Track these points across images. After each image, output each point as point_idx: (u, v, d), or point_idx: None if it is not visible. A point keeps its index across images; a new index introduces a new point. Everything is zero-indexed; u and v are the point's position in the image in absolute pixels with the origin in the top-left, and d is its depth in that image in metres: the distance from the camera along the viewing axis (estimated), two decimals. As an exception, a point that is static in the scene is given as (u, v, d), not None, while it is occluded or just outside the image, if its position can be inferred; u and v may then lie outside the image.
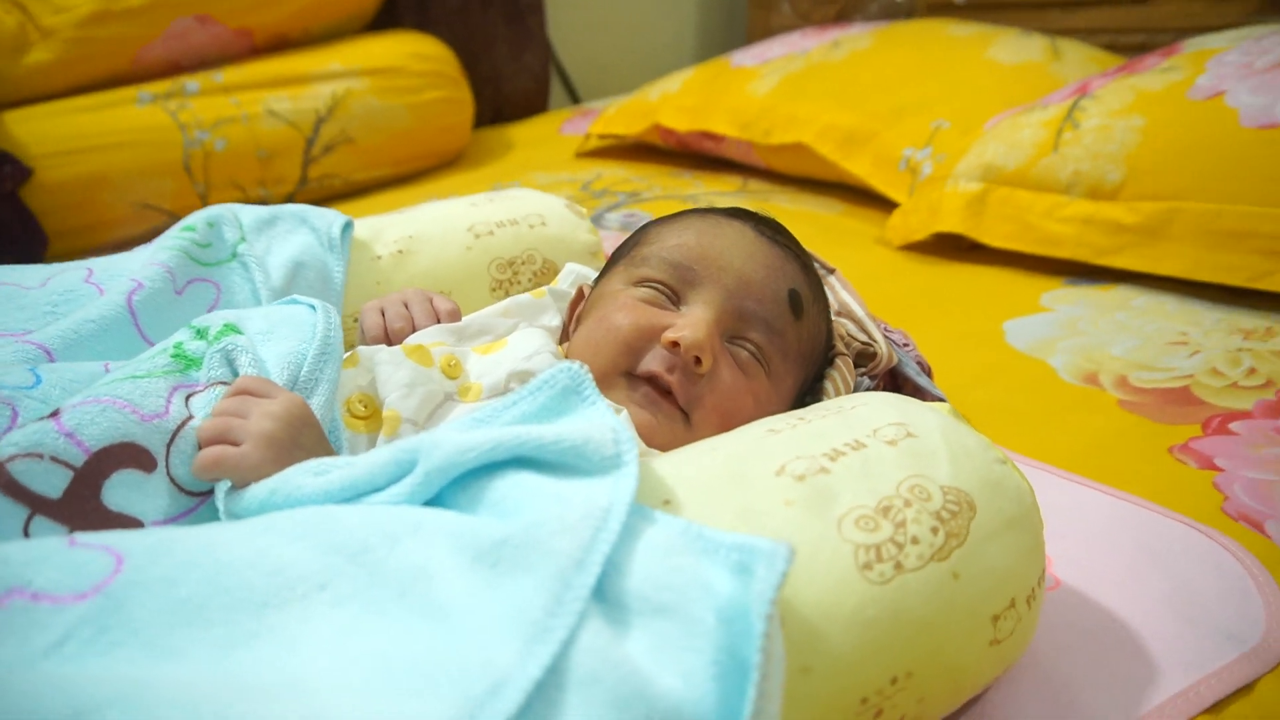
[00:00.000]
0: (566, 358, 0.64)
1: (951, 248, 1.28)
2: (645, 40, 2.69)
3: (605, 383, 0.61)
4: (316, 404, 0.56)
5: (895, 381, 0.80)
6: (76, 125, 1.63)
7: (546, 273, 0.97)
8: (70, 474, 0.47)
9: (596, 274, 0.83)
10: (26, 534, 0.46)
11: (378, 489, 0.47)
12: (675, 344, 0.61)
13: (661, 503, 0.47)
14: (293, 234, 0.85)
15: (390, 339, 0.68)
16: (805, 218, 1.52)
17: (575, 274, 0.80)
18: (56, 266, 0.78)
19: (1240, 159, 1.02)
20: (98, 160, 1.62)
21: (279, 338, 0.59)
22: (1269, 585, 0.62)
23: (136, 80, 1.74)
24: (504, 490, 0.45)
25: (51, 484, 0.47)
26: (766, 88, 1.68)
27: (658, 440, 0.60)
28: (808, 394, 0.72)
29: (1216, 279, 1.03)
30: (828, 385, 0.72)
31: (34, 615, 0.37)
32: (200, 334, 0.58)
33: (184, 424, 0.52)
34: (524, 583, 0.39)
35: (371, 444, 0.58)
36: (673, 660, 0.38)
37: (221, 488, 0.50)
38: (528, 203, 1.01)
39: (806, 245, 0.77)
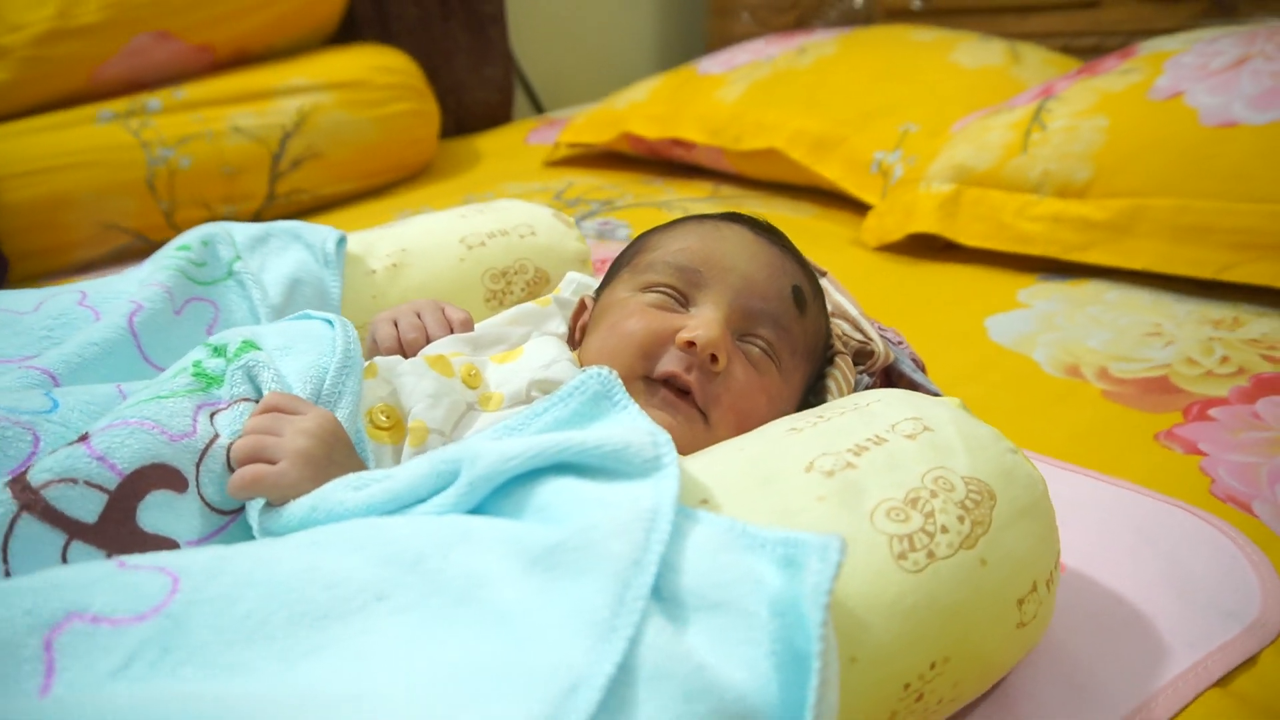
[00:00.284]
0: (584, 365, 0.65)
1: (926, 248, 1.31)
2: (606, 49, 2.71)
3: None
4: (341, 417, 0.56)
5: (890, 378, 0.83)
6: (35, 146, 1.60)
7: (538, 282, 0.98)
8: (105, 497, 0.47)
9: (591, 283, 0.84)
10: (65, 560, 0.45)
11: (419, 500, 0.47)
12: (690, 344, 0.62)
13: (699, 502, 0.48)
14: (286, 250, 0.85)
15: (404, 350, 0.69)
16: (779, 222, 1.52)
17: (577, 283, 0.81)
18: (47, 291, 0.77)
19: (1202, 156, 1.07)
20: (59, 181, 1.59)
21: (298, 352, 0.58)
22: (1262, 562, 0.65)
23: (95, 99, 1.71)
24: (548, 496, 0.45)
25: (87, 508, 0.46)
26: (735, 94, 1.70)
27: (678, 442, 0.60)
28: (811, 392, 0.74)
29: (1184, 272, 1.07)
30: (830, 384, 0.74)
31: (96, 638, 0.37)
32: (218, 351, 0.58)
33: (211, 443, 0.52)
34: (583, 585, 0.40)
35: (396, 455, 0.58)
36: (733, 653, 0.39)
37: (254, 506, 0.50)
38: (516, 213, 1.02)
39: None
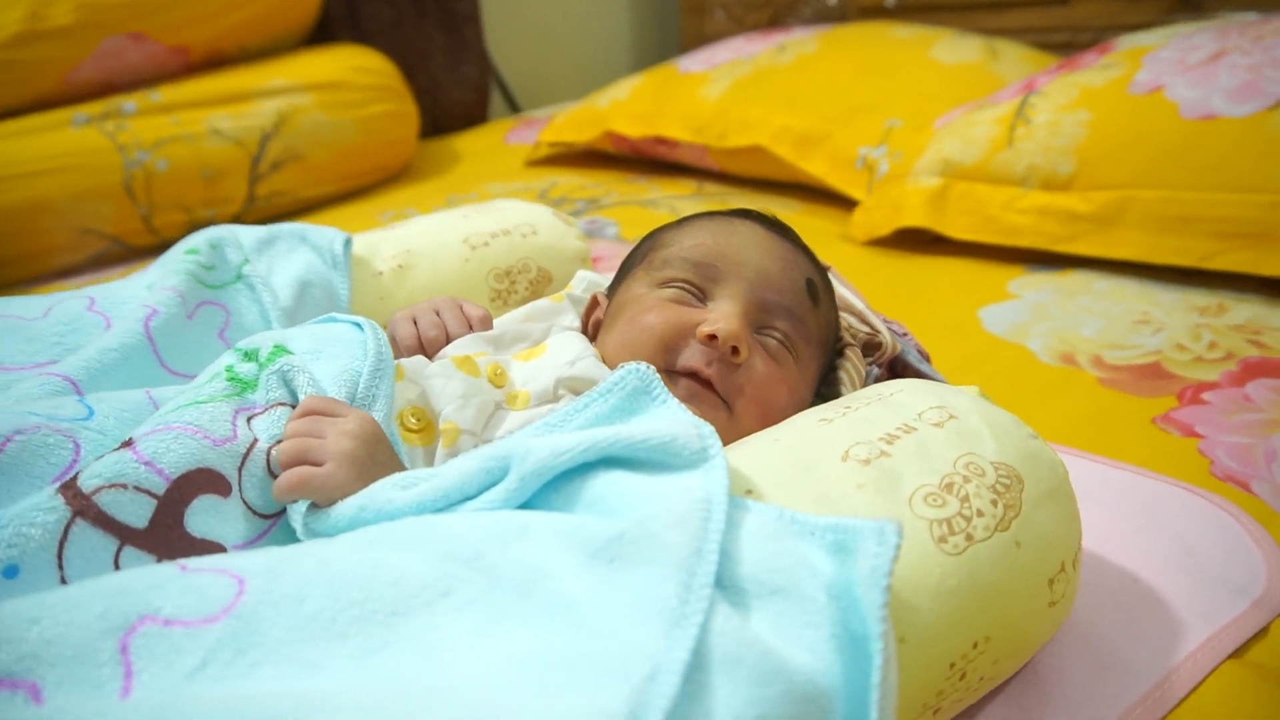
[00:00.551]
0: (605, 361, 0.66)
1: (913, 241, 1.33)
2: (580, 48, 2.71)
3: (647, 382, 0.63)
4: (376, 420, 0.56)
5: (895, 369, 0.84)
6: (8, 151, 1.57)
7: (541, 281, 0.98)
8: (154, 503, 0.47)
9: (601, 280, 0.85)
10: (117, 565, 0.45)
11: (468, 497, 0.48)
12: (712, 337, 0.63)
13: (744, 492, 0.49)
14: (294, 253, 0.84)
15: (425, 348, 0.69)
16: None
17: (588, 280, 0.81)
18: (54, 297, 0.76)
19: (1183, 149, 1.10)
20: (34, 186, 1.56)
21: (329, 356, 0.58)
22: (1265, 539, 0.68)
23: (69, 102, 1.68)
24: (600, 489, 0.46)
25: (138, 514, 0.46)
26: (717, 92, 1.71)
27: (705, 434, 0.61)
28: (824, 383, 0.75)
29: (1168, 261, 1.10)
30: (842, 375, 0.75)
31: (171, 640, 0.37)
32: (249, 356, 0.58)
33: (252, 447, 0.52)
34: (647, 574, 0.40)
35: (429, 456, 0.59)
36: (796, 637, 0.40)
37: (297, 509, 0.50)
38: (516, 213, 1.02)
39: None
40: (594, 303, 0.77)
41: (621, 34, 2.78)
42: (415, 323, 0.70)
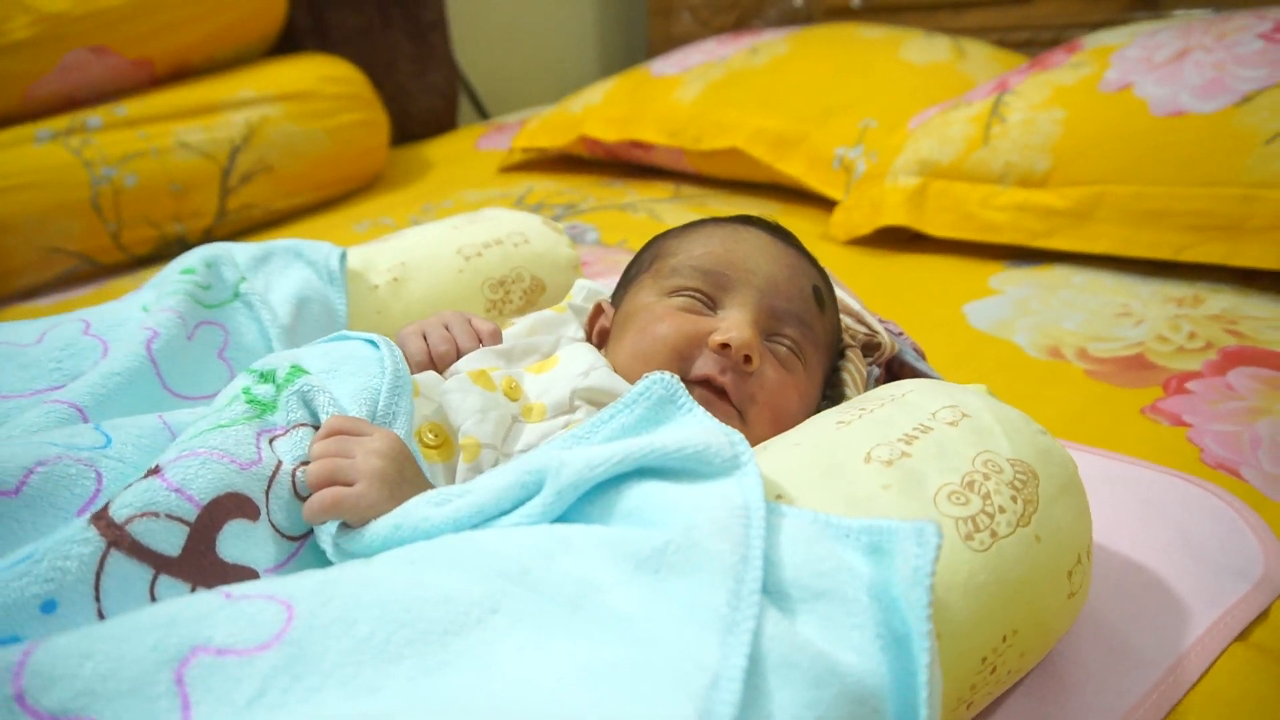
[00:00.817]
0: (616, 371, 0.66)
1: (893, 240, 1.35)
2: (547, 52, 2.71)
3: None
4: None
5: (892, 368, 0.86)
6: (-30, 169, 1.53)
7: (535, 290, 0.98)
8: (186, 530, 0.46)
9: (601, 289, 0.85)
10: (153, 594, 0.44)
11: (503, 512, 0.48)
12: (725, 345, 0.63)
13: (774, 497, 0.50)
14: (289, 269, 0.84)
15: (435, 363, 0.69)
16: None
17: (587, 289, 0.82)
18: (46, 321, 0.75)
19: (1154, 145, 1.13)
20: (-2, 205, 1.52)
21: (345, 374, 0.58)
22: (1259, 524, 0.70)
23: (31, 118, 1.64)
24: (636, 500, 0.47)
25: (171, 542, 0.45)
26: (692, 95, 1.72)
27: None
28: (827, 385, 0.76)
29: (1143, 254, 1.13)
30: (845, 376, 0.76)
31: (225, 670, 0.37)
32: (265, 378, 0.57)
33: (277, 469, 0.51)
34: (695, 583, 0.41)
35: (449, 472, 0.59)
36: (842, 638, 0.41)
37: (326, 530, 0.50)
38: (506, 222, 1.02)
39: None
40: (598, 310, 0.77)
41: (588, 38, 2.78)
42: (425, 338, 0.70)
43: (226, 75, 1.82)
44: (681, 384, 0.53)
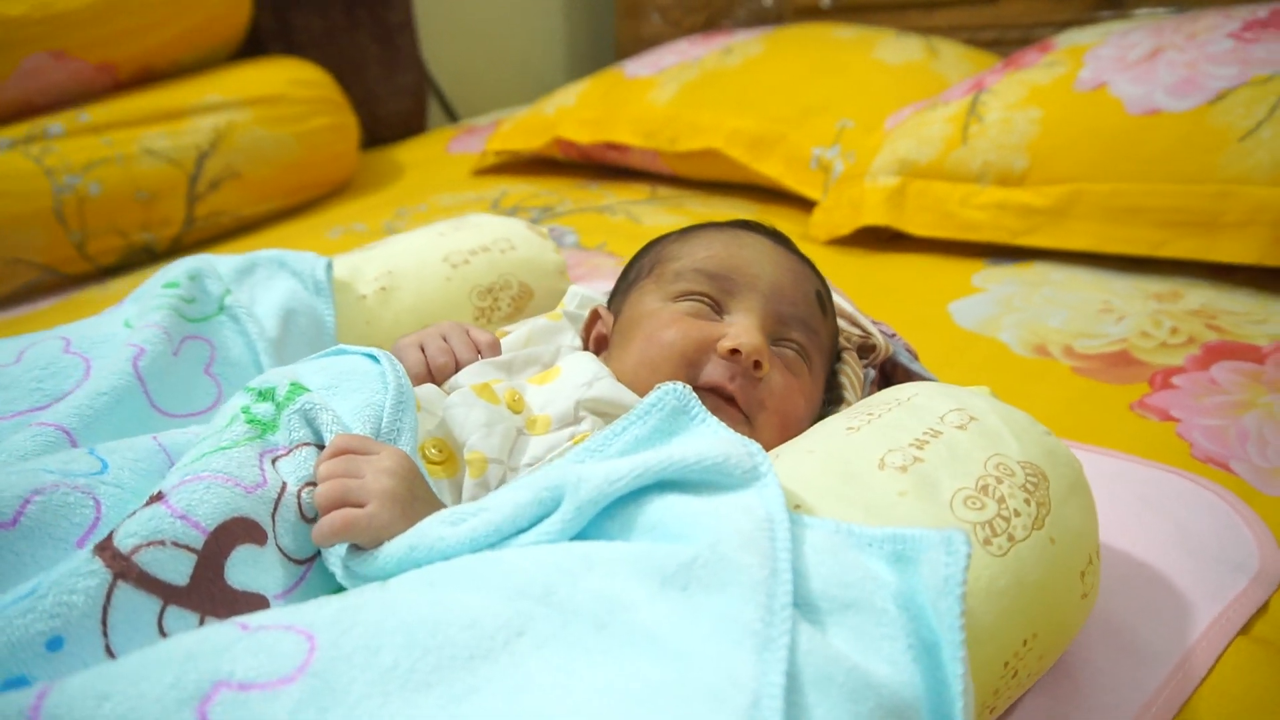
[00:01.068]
0: (620, 379, 0.65)
1: (873, 239, 1.36)
2: (516, 54, 2.68)
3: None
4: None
5: (886, 369, 0.86)
6: (-74, 180, 1.48)
7: (523, 296, 0.97)
8: (193, 557, 0.45)
9: (595, 295, 0.84)
10: (161, 626, 0.43)
11: (520, 530, 0.47)
12: (734, 351, 0.63)
13: (793, 507, 0.49)
14: (274, 280, 0.82)
15: (433, 376, 0.67)
16: (722, 220, 1.57)
17: (580, 296, 0.81)
18: (24, 339, 0.72)
19: (1130, 143, 1.14)
20: (-44, 216, 1.48)
21: (346, 391, 0.57)
22: (1253, 517, 0.71)
23: (-11, 126, 1.59)
24: (656, 514, 0.46)
25: (178, 570, 0.44)
26: (666, 96, 1.72)
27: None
28: (826, 388, 0.76)
29: (1121, 250, 1.15)
30: (843, 379, 0.76)
31: (250, 705, 0.35)
32: (264, 396, 0.55)
33: (282, 491, 0.50)
34: (725, 599, 0.40)
35: (454, 488, 0.57)
36: (875, 650, 0.41)
37: (336, 552, 0.49)
38: (492, 228, 1.01)
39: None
40: (594, 316, 0.76)
41: (556, 39, 2.76)
42: (423, 350, 0.69)
43: (192, 80, 1.78)
44: (694, 394, 0.53)
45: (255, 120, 1.76)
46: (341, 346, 0.62)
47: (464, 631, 0.39)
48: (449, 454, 0.58)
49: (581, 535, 0.47)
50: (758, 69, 1.68)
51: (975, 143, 1.25)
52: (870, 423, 0.58)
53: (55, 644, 0.40)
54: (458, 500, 0.57)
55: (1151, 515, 0.72)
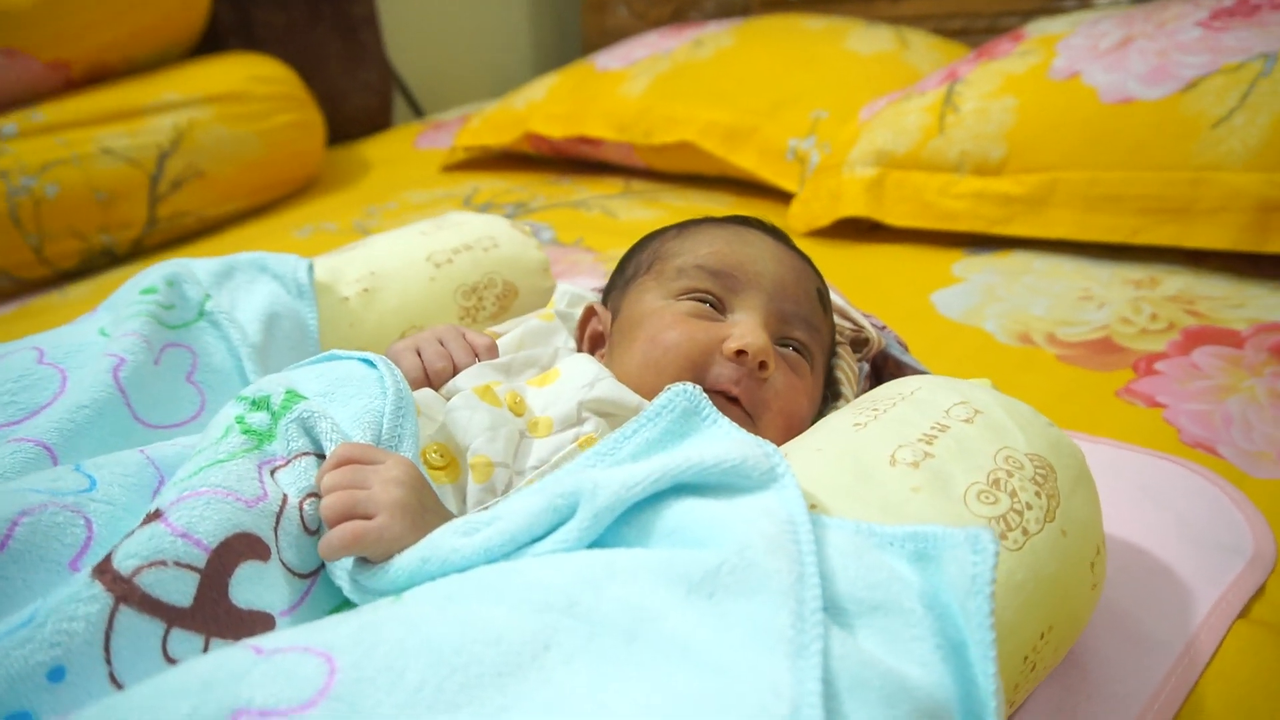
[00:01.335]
0: (622, 380, 0.64)
1: (851, 230, 1.36)
2: (481, 47, 2.65)
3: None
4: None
5: (876, 362, 0.86)
6: (-128, 183, 1.42)
7: (507, 295, 0.95)
8: (196, 577, 0.43)
9: (585, 293, 0.83)
10: (165, 650, 0.41)
11: (535, 539, 0.45)
12: (740, 352, 0.62)
13: (810, 507, 0.49)
14: (255, 284, 0.79)
15: (431, 380, 0.66)
16: (697, 213, 1.53)
17: (570, 294, 0.80)
18: (-6, 349, 0.69)
19: (1105, 131, 1.16)
20: (-95, 220, 1.42)
21: (344, 397, 0.55)
22: (1243, 500, 0.72)
23: (-64, 126, 1.54)
24: (675, 519, 0.45)
25: (181, 591, 0.42)
26: (638, 89, 1.70)
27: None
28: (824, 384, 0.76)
29: (1099, 238, 1.16)
30: (839, 374, 0.76)
31: (273, 734, 0.34)
32: (258, 405, 0.53)
33: (284, 504, 0.48)
34: (755, 605, 0.40)
35: (458, 493, 0.56)
36: (905, 651, 0.40)
37: (342, 566, 0.47)
38: (474, 226, 0.99)
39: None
40: (589, 313, 0.75)
41: (521, 31, 2.73)
42: (419, 354, 0.67)
43: (150, 77, 1.73)
44: (705, 395, 0.52)
45: (217, 118, 1.72)
46: (335, 352, 0.61)
47: (489, 648, 0.38)
48: (451, 458, 0.57)
49: (598, 542, 0.46)
50: (730, 61, 1.67)
51: (952, 132, 1.26)
52: (877, 418, 0.58)
53: (57, 674, 0.38)
54: (461, 505, 0.56)
55: (1146, 502, 0.72)
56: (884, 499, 0.50)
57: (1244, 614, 0.62)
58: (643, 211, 1.57)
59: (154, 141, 1.64)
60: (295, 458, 0.51)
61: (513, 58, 2.72)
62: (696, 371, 0.63)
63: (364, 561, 0.47)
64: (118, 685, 0.39)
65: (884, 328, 0.87)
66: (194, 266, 0.77)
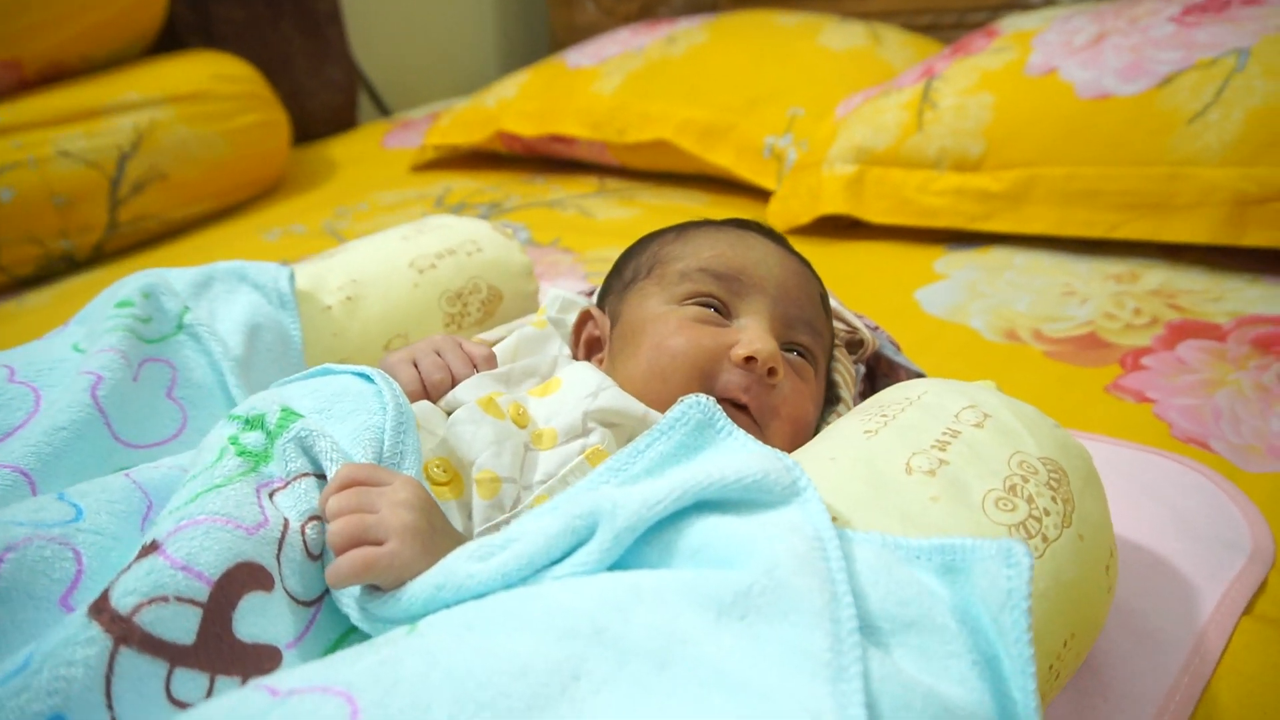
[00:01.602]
0: (625, 388, 0.63)
1: (830, 228, 1.36)
2: (447, 44, 2.61)
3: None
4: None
5: (868, 363, 0.85)
6: None
7: (492, 300, 0.93)
8: (199, 612, 0.41)
9: (576, 297, 0.81)
10: (169, 692, 0.39)
11: (554, 561, 0.44)
12: (749, 359, 0.61)
13: (831, 520, 0.48)
14: (235, 294, 0.77)
15: (429, 393, 0.63)
16: (674, 211, 1.55)
17: (560, 299, 0.78)
18: (-41, 368, 0.66)
19: (1082, 127, 1.16)
20: None
21: (341, 414, 0.53)
22: (1238, 495, 0.72)
23: (-117, 130, 1.47)
24: (699, 537, 0.44)
25: (184, 628, 0.40)
26: (611, 87, 1.69)
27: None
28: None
29: (1078, 233, 1.17)
30: (837, 378, 0.75)
31: (296, 783, 0.32)
32: (252, 424, 0.51)
33: (285, 529, 0.46)
34: (789, 627, 0.38)
35: (463, 509, 0.54)
36: (943, 670, 0.39)
37: (350, 593, 0.45)
38: (457, 230, 0.97)
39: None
40: (585, 318, 0.73)
41: (487, 28, 2.70)
42: (416, 365, 0.65)
43: (108, 76, 1.67)
44: (718, 407, 0.50)
45: (179, 118, 1.67)
46: (328, 366, 0.58)
47: (516, 681, 0.37)
48: (454, 474, 0.55)
49: (620, 564, 0.44)
50: (703, 57, 1.66)
51: (930, 129, 1.26)
52: (887, 425, 0.57)
53: (56, 724, 0.36)
54: (466, 521, 0.54)
55: (1143, 497, 0.73)
56: (903, 509, 0.49)
57: (1249, 610, 0.63)
58: (620, 210, 1.55)
59: (114, 143, 1.59)
60: (294, 479, 0.49)
61: (479, 55, 2.68)
62: (704, 379, 0.62)
63: (373, 588, 0.45)
64: (120, 732, 0.37)
65: (877, 329, 0.86)
66: (170, 277, 0.74)
